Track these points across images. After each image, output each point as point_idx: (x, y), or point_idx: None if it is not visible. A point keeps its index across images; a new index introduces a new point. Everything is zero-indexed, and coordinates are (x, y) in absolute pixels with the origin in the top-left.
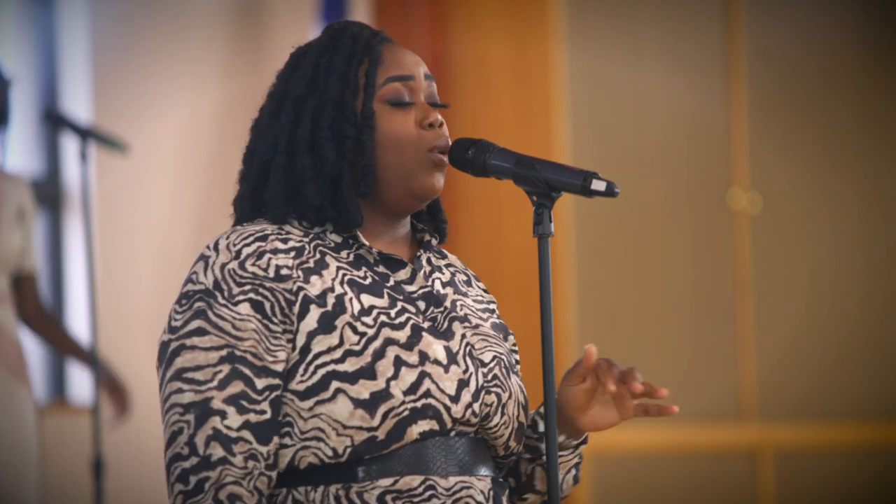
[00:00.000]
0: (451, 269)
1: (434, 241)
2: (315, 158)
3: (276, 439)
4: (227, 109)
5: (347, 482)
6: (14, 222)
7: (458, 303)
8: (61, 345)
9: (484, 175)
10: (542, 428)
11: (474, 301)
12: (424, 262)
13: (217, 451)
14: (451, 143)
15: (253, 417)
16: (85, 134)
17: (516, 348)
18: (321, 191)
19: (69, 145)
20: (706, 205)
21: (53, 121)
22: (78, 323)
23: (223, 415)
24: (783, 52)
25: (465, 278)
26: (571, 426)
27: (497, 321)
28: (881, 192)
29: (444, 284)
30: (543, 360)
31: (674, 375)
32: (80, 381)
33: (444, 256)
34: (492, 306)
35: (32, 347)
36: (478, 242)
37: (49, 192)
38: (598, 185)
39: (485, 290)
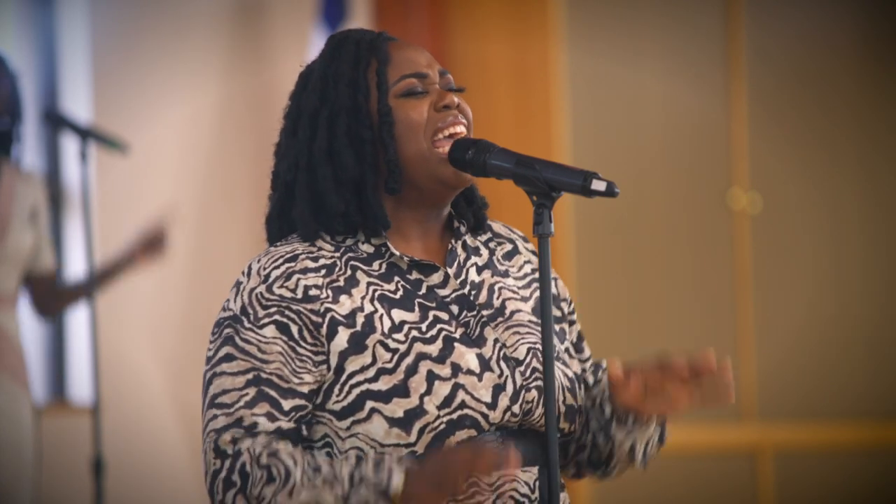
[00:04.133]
0: (493, 244)
1: (463, 229)
2: (335, 167)
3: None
4: (227, 109)
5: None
6: (26, 222)
7: (497, 287)
8: (81, 290)
9: (484, 175)
10: (607, 412)
11: (516, 278)
12: (459, 250)
13: (242, 444)
14: (466, 124)
15: (284, 425)
16: (85, 134)
17: (573, 309)
18: (345, 198)
19: (69, 145)
20: (706, 205)
21: (53, 121)
22: (78, 323)
23: (254, 425)
24: (783, 52)
25: (509, 248)
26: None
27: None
28: (881, 192)
29: (479, 269)
30: (544, 361)
31: None
32: (80, 381)
33: (487, 230)
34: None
35: (33, 348)
36: None
37: (49, 192)
38: (598, 185)
39: (534, 253)
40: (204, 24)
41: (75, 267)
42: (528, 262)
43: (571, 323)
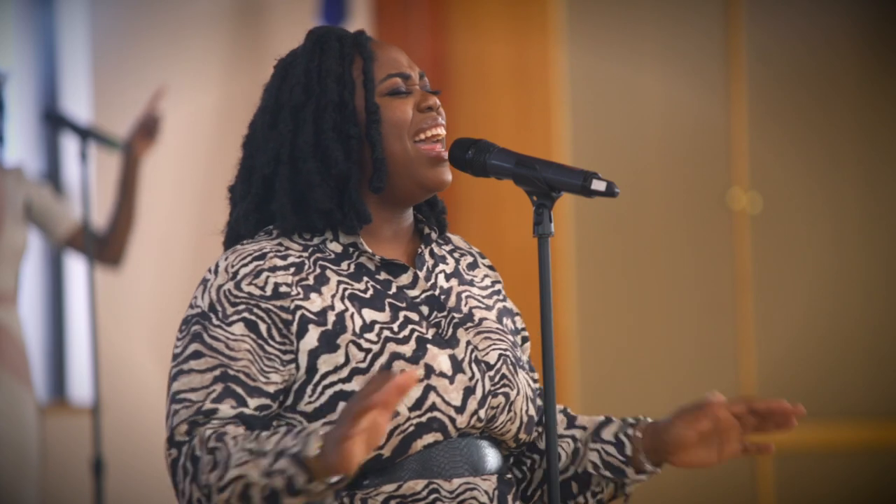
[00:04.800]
0: (456, 255)
1: (434, 235)
2: (320, 162)
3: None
4: (227, 109)
5: (351, 489)
6: (20, 218)
7: (464, 295)
8: (126, 217)
9: (484, 175)
10: (629, 451)
11: (480, 288)
12: (427, 257)
13: (195, 430)
14: (444, 126)
15: (246, 411)
16: (85, 134)
17: (524, 327)
18: (329, 194)
19: (69, 145)
20: (706, 205)
21: (53, 121)
22: (78, 323)
23: (213, 411)
24: (783, 52)
25: (470, 260)
26: (660, 456)
27: (503, 305)
28: (881, 192)
29: (448, 276)
30: (543, 360)
31: (674, 375)
32: (80, 381)
33: (447, 241)
34: (497, 286)
35: (33, 348)
36: (478, 242)
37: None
38: (598, 185)
39: (490, 268)
40: (204, 24)
41: (75, 267)
42: (487, 275)
43: (525, 339)
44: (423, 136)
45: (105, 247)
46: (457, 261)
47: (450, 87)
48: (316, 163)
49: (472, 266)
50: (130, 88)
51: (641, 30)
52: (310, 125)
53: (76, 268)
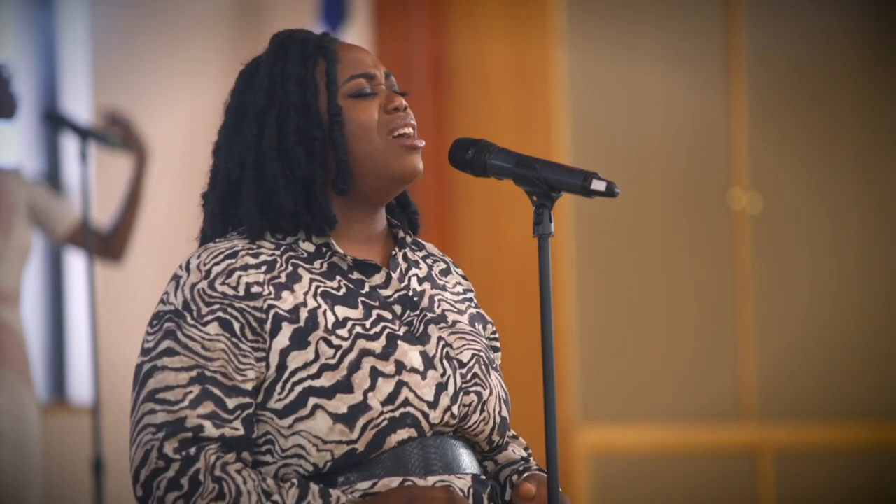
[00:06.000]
0: (430, 261)
1: (408, 239)
2: (285, 165)
3: (246, 455)
4: None
5: (327, 487)
6: (25, 218)
7: (437, 298)
8: (127, 222)
9: (484, 175)
10: (507, 496)
11: (452, 293)
12: (401, 260)
13: (193, 450)
14: (415, 126)
15: (228, 432)
16: (85, 134)
17: (496, 336)
18: (294, 196)
19: (69, 145)
20: (706, 205)
21: (53, 121)
22: (78, 323)
23: (200, 428)
24: (783, 52)
25: (443, 266)
26: None
27: (475, 311)
28: (881, 192)
29: (420, 280)
30: (543, 360)
31: (674, 375)
32: (80, 381)
33: (421, 248)
34: (469, 294)
35: (33, 348)
36: (478, 242)
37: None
38: (598, 185)
39: (463, 277)
40: (204, 24)
41: (75, 267)
42: (459, 283)
43: (496, 349)
44: (396, 134)
45: (109, 243)
46: (430, 266)
47: (450, 87)
48: (280, 166)
49: (445, 272)
50: (130, 88)
51: (641, 30)
52: (273, 129)
53: (76, 267)
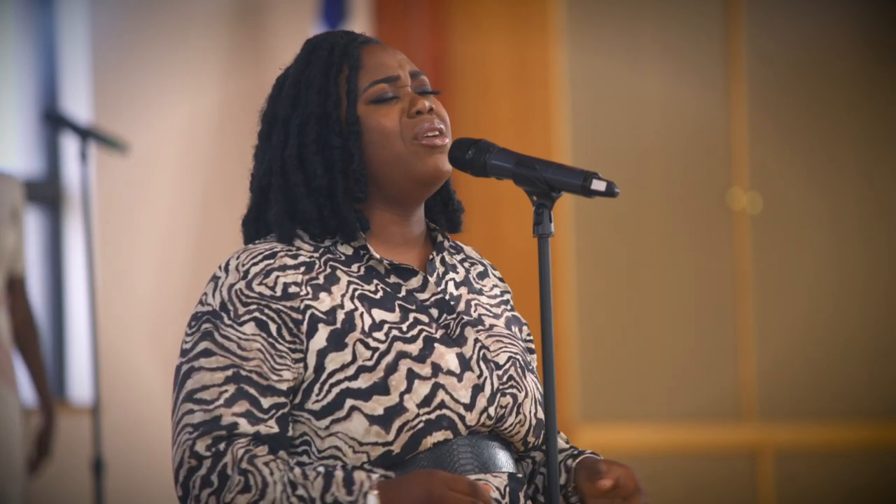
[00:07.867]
0: (467, 264)
1: (447, 243)
2: (305, 174)
3: (282, 454)
4: (227, 109)
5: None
6: (8, 222)
7: (473, 303)
8: (31, 366)
9: (484, 175)
10: (562, 480)
11: (489, 297)
12: (438, 264)
13: (222, 445)
14: (444, 128)
15: (263, 430)
16: (85, 134)
17: (531, 338)
18: (318, 204)
19: (69, 145)
20: (706, 205)
21: (53, 121)
22: (78, 323)
23: (234, 426)
24: (783, 52)
25: (480, 269)
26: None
27: (511, 314)
28: (881, 192)
29: (457, 285)
30: (543, 360)
31: (674, 375)
32: (80, 381)
33: (459, 251)
34: (506, 297)
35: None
36: (478, 242)
37: (49, 192)
38: (598, 185)
39: (500, 279)
40: (204, 24)
41: (75, 267)
42: (496, 285)
43: (531, 351)
44: (420, 138)
45: (29, 335)
46: (467, 270)
47: (450, 87)
48: (301, 175)
49: (483, 275)
50: (130, 88)
51: (641, 30)
52: (295, 137)
53: (76, 268)
